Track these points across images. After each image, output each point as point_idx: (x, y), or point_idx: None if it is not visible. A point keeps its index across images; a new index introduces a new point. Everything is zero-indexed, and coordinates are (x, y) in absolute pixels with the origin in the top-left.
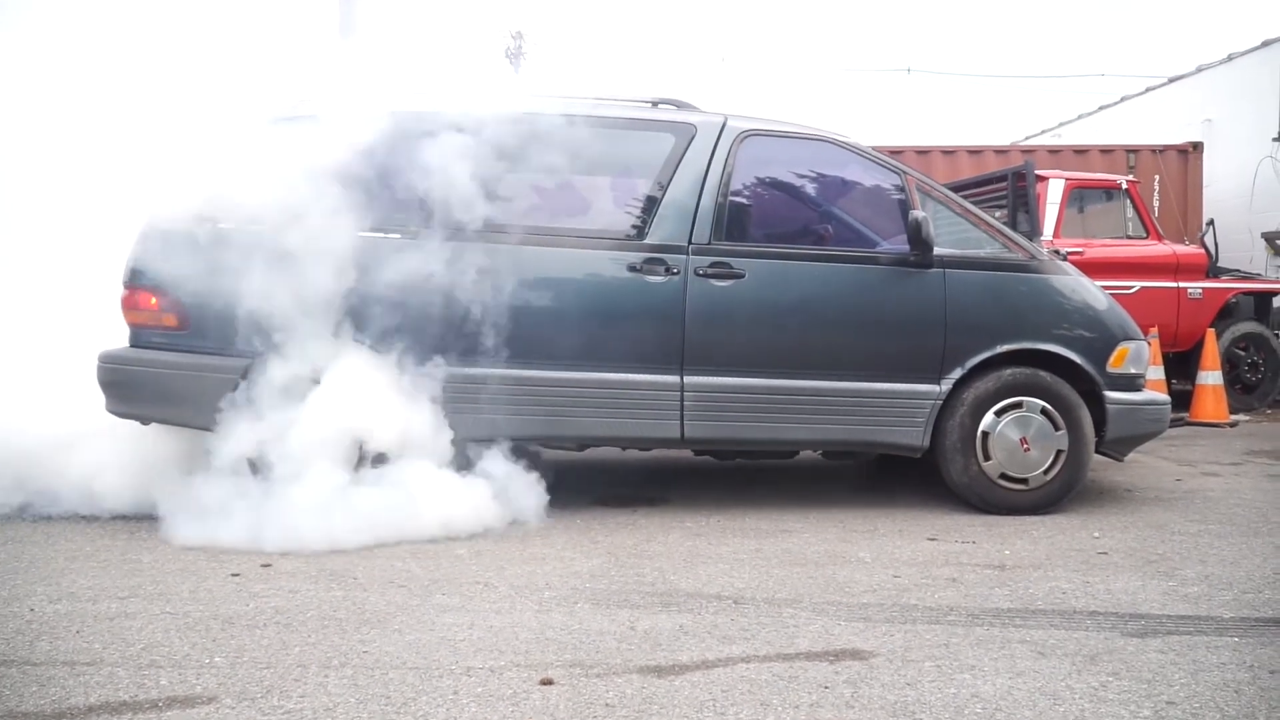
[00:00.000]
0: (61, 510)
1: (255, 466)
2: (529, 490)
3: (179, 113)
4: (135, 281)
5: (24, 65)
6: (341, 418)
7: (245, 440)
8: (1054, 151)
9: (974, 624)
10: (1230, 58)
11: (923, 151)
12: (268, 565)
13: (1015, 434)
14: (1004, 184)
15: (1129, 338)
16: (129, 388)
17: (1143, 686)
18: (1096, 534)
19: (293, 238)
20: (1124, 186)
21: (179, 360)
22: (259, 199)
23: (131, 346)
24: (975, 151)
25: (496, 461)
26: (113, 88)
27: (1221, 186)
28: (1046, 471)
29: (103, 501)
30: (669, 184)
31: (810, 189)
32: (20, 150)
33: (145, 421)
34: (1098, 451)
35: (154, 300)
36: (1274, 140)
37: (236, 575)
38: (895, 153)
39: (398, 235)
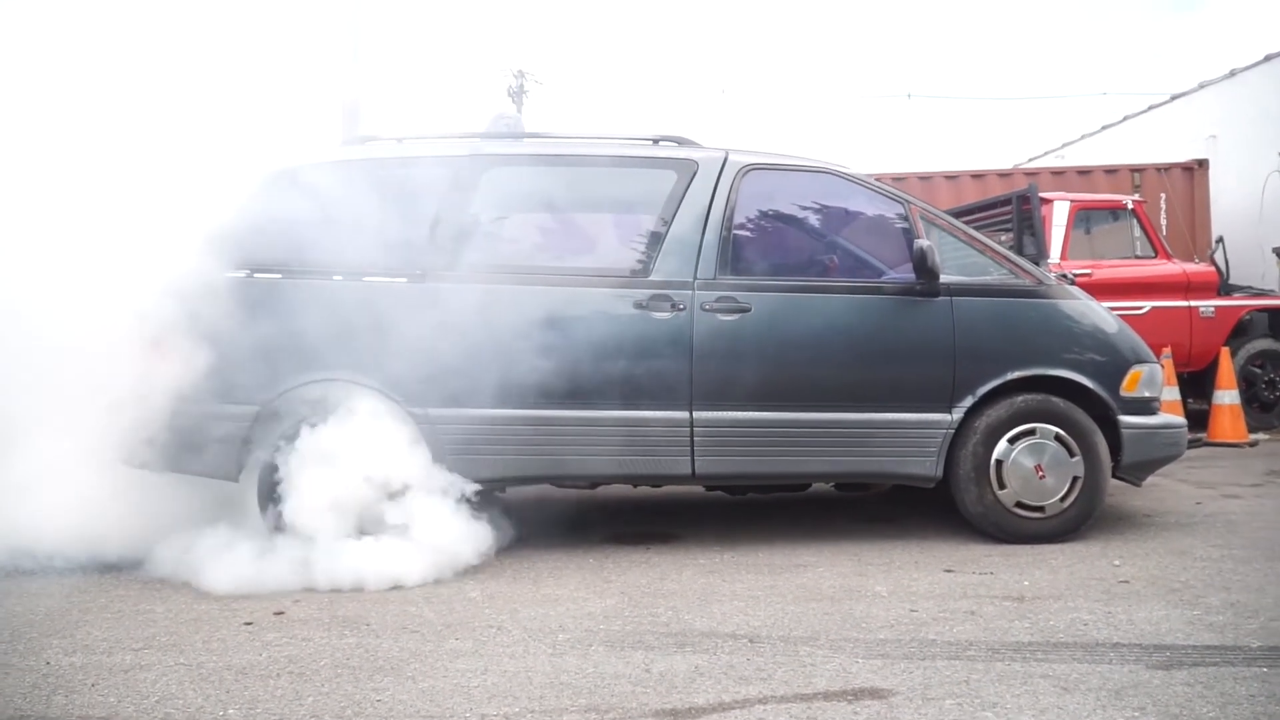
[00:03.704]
0: (74, 563)
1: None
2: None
3: (185, 163)
4: (147, 332)
5: (36, 118)
6: (342, 464)
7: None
8: (1058, 173)
9: (994, 659)
10: (1233, 73)
11: (925, 177)
12: (280, 613)
13: (1029, 461)
14: (1008, 207)
15: (1141, 360)
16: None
17: None
18: (1117, 562)
19: (298, 284)
20: (1130, 206)
21: (191, 410)
22: (263, 245)
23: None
24: (978, 175)
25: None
26: (122, 139)
27: (1229, 203)
28: (1063, 499)
29: (110, 553)
30: (672, 220)
31: (814, 221)
32: (32, 194)
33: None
34: (1115, 477)
35: (166, 349)
36: None
37: (249, 624)
38: (898, 179)
39: (403, 279)
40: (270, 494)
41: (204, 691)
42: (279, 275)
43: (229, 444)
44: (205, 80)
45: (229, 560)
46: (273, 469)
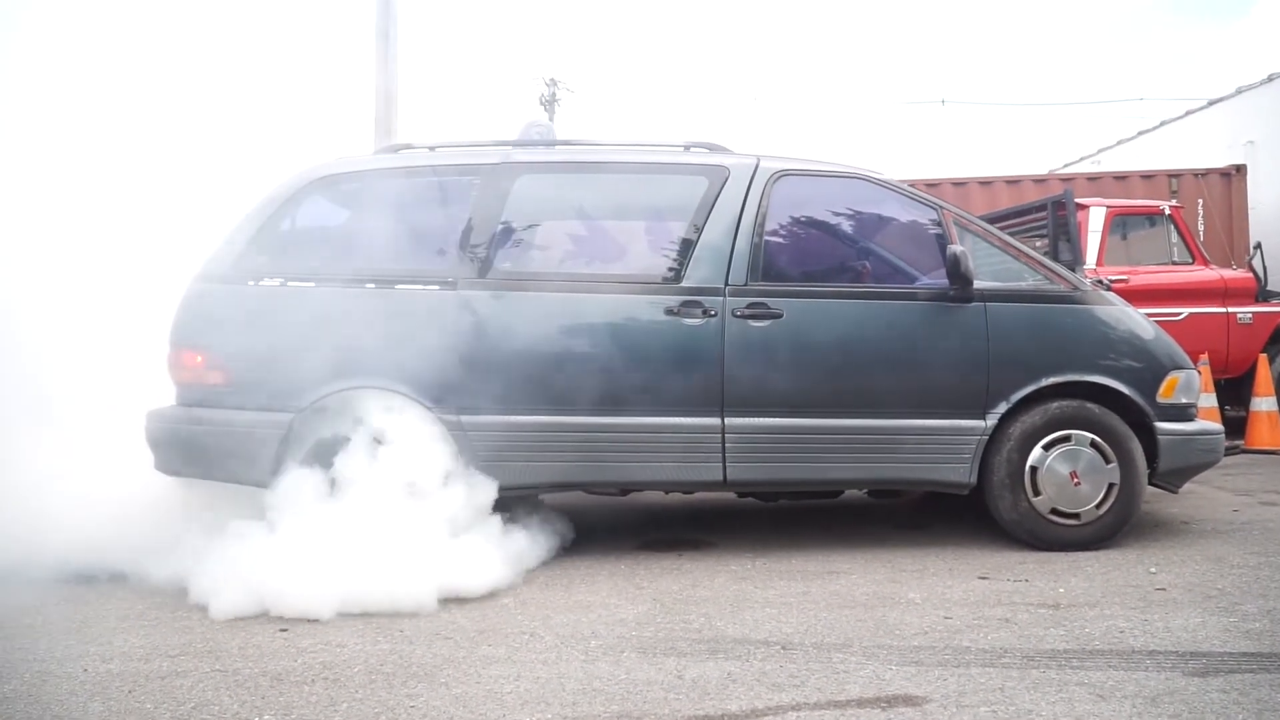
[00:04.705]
0: (112, 570)
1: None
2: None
3: (220, 171)
4: (180, 340)
5: (73, 128)
6: (373, 472)
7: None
8: (1093, 179)
9: (1029, 666)
10: (1271, 78)
11: (959, 183)
12: (315, 620)
13: (1065, 468)
14: (1044, 213)
15: (1178, 367)
16: (176, 446)
17: None
18: (1153, 569)
19: (331, 291)
20: (1167, 212)
21: (225, 417)
22: (296, 253)
23: (178, 405)
24: (1013, 181)
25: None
26: (157, 147)
27: (1267, 208)
28: (1098, 506)
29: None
30: (704, 226)
31: (846, 227)
32: (66, 211)
33: (193, 479)
34: (1151, 483)
35: (199, 358)
36: None
37: (284, 630)
38: (932, 185)
39: (435, 287)
40: (304, 502)
41: (239, 698)
42: (312, 283)
43: (261, 451)
44: (241, 89)
45: (250, 575)
46: (308, 477)
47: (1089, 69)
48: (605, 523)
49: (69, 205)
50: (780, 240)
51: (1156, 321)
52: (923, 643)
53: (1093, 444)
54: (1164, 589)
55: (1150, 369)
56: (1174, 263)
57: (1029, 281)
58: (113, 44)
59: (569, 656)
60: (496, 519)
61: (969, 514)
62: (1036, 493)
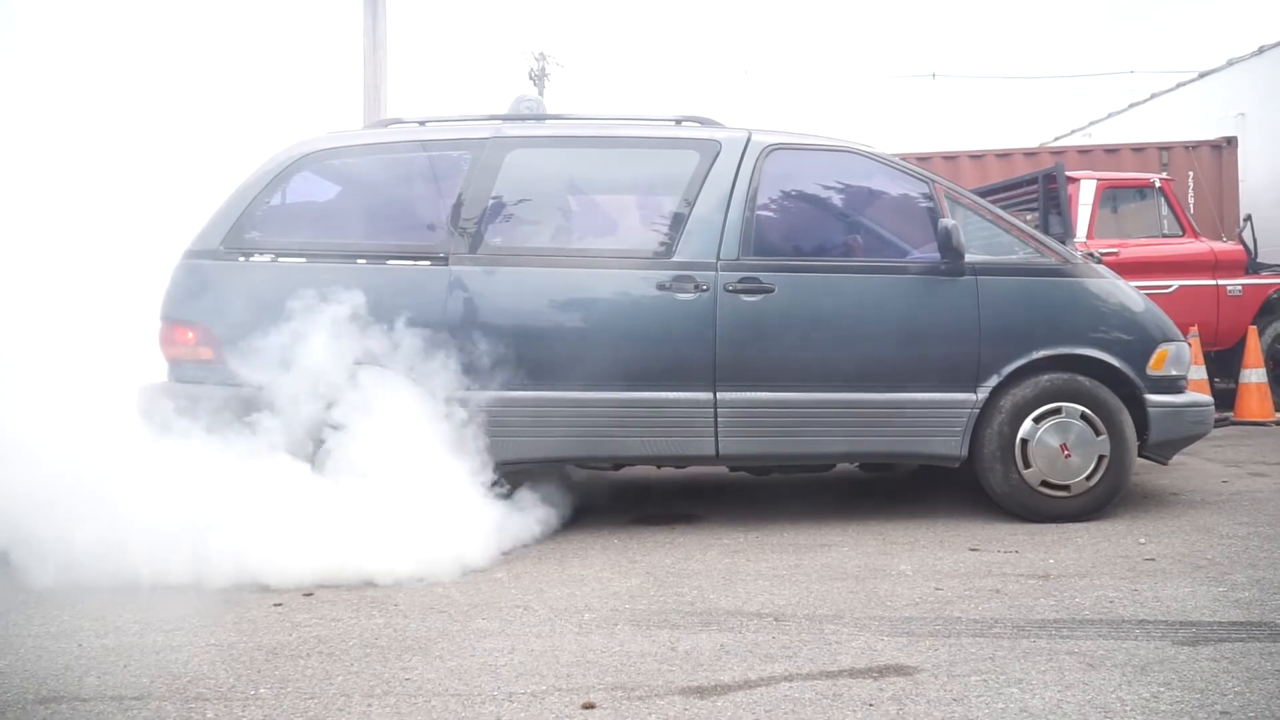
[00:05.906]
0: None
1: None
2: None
3: (210, 146)
4: (172, 316)
5: (65, 104)
6: (371, 450)
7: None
8: (1084, 151)
9: (1020, 636)
10: (1261, 50)
11: (950, 157)
12: (309, 594)
13: (1055, 440)
14: (1034, 187)
15: (1168, 339)
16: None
17: (1195, 696)
18: (1143, 540)
19: (322, 268)
20: (1157, 185)
21: (217, 393)
22: (287, 229)
23: (170, 380)
24: (1004, 155)
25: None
26: (147, 123)
27: (1258, 181)
28: (1089, 477)
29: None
30: (695, 201)
31: (837, 201)
32: (58, 189)
33: None
34: (1141, 455)
35: (190, 334)
36: None
37: (279, 605)
38: (922, 159)
39: (426, 262)
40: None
41: (235, 671)
42: (302, 259)
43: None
44: (229, 65)
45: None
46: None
47: (1080, 42)
48: (598, 498)
49: (61, 182)
50: (772, 215)
51: (1147, 294)
52: (914, 614)
53: (1083, 416)
54: (1153, 559)
55: (1140, 341)
56: (1164, 235)
57: (1020, 255)
58: (101, 23)
59: (563, 629)
60: (493, 494)
61: (960, 487)
62: (1027, 465)
